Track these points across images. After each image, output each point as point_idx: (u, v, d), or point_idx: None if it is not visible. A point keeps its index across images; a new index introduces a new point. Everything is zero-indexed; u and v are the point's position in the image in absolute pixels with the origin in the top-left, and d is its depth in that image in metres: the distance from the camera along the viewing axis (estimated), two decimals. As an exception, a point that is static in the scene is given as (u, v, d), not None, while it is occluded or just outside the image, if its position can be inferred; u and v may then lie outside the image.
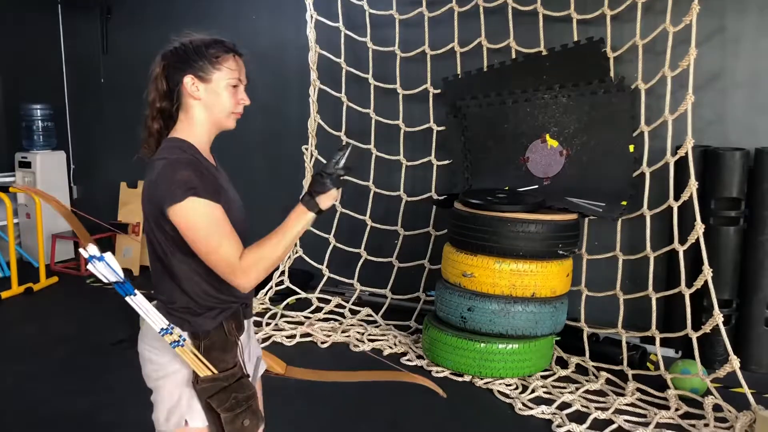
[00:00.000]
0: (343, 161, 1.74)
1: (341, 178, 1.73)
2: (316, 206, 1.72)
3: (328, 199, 1.73)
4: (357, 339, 4.46)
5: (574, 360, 4.11)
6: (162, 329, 1.71)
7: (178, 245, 1.72)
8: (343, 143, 1.80)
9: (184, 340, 1.75)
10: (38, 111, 6.37)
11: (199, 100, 1.77)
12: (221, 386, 1.77)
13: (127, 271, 5.97)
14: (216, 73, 1.76)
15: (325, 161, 4.95)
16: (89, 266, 1.58)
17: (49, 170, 6.41)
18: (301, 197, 1.73)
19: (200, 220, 1.65)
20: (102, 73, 6.43)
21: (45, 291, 5.54)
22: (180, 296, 1.78)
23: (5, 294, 5.26)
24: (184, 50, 1.77)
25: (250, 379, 1.92)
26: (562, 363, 4.14)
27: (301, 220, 1.71)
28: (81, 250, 1.61)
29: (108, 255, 1.60)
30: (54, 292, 5.56)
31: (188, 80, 1.75)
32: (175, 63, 1.77)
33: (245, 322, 1.94)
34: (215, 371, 1.77)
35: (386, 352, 4.27)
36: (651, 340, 4.02)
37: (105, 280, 1.62)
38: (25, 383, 3.80)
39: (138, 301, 1.70)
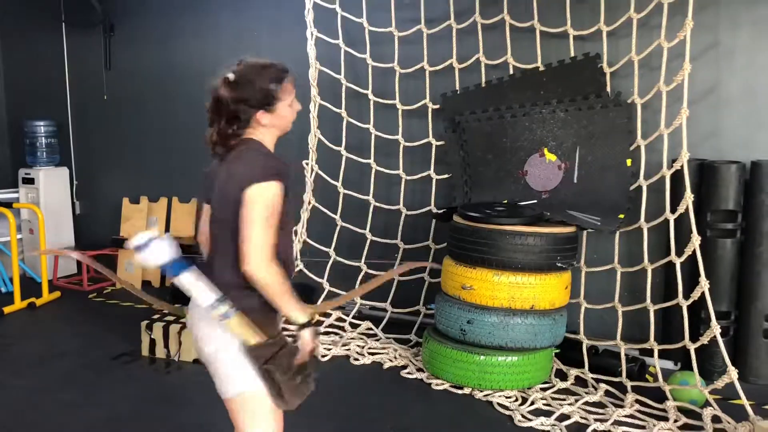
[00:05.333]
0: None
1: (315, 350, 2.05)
2: (302, 319, 2.00)
3: (309, 333, 2.00)
4: (357, 352, 4.48)
5: (573, 372, 4.13)
6: (210, 303, 1.94)
7: None
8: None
9: (234, 312, 1.96)
10: (42, 127, 6.44)
11: (265, 126, 2.05)
12: (273, 351, 2.00)
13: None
14: (280, 103, 2.03)
15: (326, 176, 5.04)
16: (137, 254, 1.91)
17: (52, 186, 6.46)
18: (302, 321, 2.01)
19: (272, 199, 1.93)
20: (105, 90, 6.50)
21: (47, 306, 5.57)
22: (234, 276, 1.98)
23: (8, 309, 5.28)
24: (252, 88, 1.99)
25: None
26: (562, 375, 4.16)
27: (292, 311, 2.00)
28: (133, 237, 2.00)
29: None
30: (56, 307, 5.58)
31: (259, 115, 2.01)
32: (244, 98, 1.99)
33: None
34: (265, 337, 2.00)
35: (386, 366, 4.29)
36: (650, 352, 4.03)
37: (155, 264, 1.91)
38: (27, 398, 3.82)
39: (187, 279, 1.96)
